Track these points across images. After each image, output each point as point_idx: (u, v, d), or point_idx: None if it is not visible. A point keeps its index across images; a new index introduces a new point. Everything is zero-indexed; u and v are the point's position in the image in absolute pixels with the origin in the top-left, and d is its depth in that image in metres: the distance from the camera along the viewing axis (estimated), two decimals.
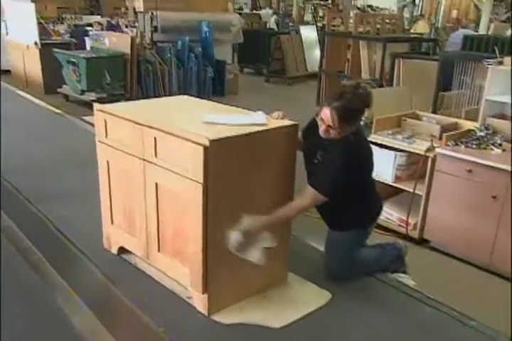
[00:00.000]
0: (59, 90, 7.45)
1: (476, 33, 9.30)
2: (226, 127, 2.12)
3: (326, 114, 2.18)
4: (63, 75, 7.27)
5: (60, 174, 3.95)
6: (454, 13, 14.55)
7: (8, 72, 8.63)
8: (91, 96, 6.92)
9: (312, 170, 2.33)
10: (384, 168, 3.50)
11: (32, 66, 7.82)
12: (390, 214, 3.61)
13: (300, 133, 2.41)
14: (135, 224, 2.44)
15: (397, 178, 3.60)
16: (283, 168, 2.26)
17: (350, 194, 2.34)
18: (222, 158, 1.99)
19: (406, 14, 14.54)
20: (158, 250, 2.35)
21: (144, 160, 2.23)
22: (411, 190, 3.49)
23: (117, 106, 2.50)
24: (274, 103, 7.50)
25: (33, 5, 7.37)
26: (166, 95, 7.49)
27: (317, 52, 10.35)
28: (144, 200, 2.30)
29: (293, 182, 2.35)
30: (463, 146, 3.30)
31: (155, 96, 7.43)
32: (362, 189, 2.45)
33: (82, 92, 7.01)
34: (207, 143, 1.92)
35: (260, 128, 2.13)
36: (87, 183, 3.07)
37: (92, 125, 5.20)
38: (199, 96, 7.53)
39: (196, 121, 2.20)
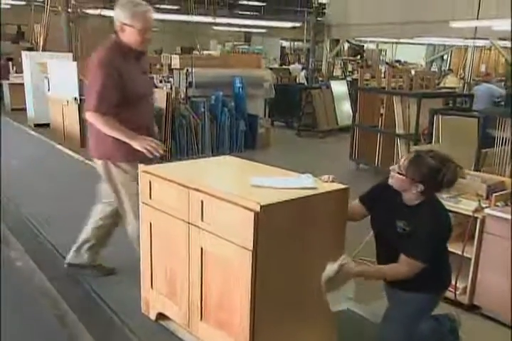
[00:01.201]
0: None
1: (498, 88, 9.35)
2: (275, 191, 2.05)
3: (404, 157, 2.16)
4: None
5: None
6: (483, 67, 14.66)
7: (47, 125, 8.94)
8: None
9: (398, 241, 2.23)
10: None
11: (70, 120, 8.07)
12: None
13: (356, 201, 2.36)
14: (177, 289, 2.34)
15: None
16: (333, 233, 2.17)
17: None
18: (272, 223, 1.92)
19: (434, 68, 14.73)
20: (201, 319, 2.23)
21: (190, 223, 2.16)
22: (457, 252, 3.32)
23: (162, 167, 2.48)
24: (307, 157, 7.49)
25: (75, 63, 7.71)
26: (198, 148, 7.59)
27: (347, 106, 10.44)
28: (188, 265, 2.22)
29: (343, 247, 2.25)
30: None
31: (188, 149, 7.60)
32: (442, 250, 2.37)
33: None
34: (257, 209, 1.85)
35: (310, 193, 2.05)
36: (126, 242, 3.01)
37: None
38: (231, 149, 7.67)
39: (244, 184, 2.14)
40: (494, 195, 3.26)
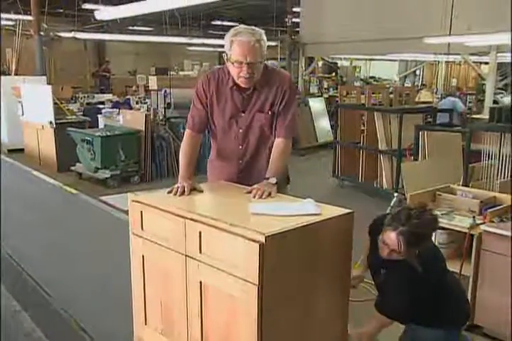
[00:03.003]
0: (72, 168, 7.42)
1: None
2: (277, 219, 1.94)
3: (391, 238, 2.06)
4: (77, 153, 7.25)
5: (83, 266, 3.70)
6: (454, 82, 14.97)
7: (21, 150, 8.70)
8: (105, 173, 6.86)
9: (379, 287, 2.20)
10: None
11: (46, 145, 7.86)
12: None
13: None
14: (174, 326, 2.19)
15: None
16: (339, 260, 2.06)
17: (432, 294, 2.18)
18: (278, 254, 1.80)
19: (407, 84, 14.96)
20: None
21: (187, 256, 2.03)
22: (454, 270, 3.26)
23: (154, 195, 2.35)
24: (290, 176, 7.41)
25: (49, 87, 7.54)
26: (179, 170, 7.44)
27: (326, 123, 10.48)
28: (186, 300, 2.08)
29: (349, 274, 2.15)
30: (510, 223, 3.11)
31: (169, 172, 7.43)
32: (443, 287, 2.27)
33: (96, 170, 6.95)
34: (262, 240, 1.74)
35: (315, 219, 1.95)
36: (115, 275, 2.85)
37: (111, 206, 5.11)
38: None
39: (243, 211, 2.03)
40: (489, 211, 3.23)
